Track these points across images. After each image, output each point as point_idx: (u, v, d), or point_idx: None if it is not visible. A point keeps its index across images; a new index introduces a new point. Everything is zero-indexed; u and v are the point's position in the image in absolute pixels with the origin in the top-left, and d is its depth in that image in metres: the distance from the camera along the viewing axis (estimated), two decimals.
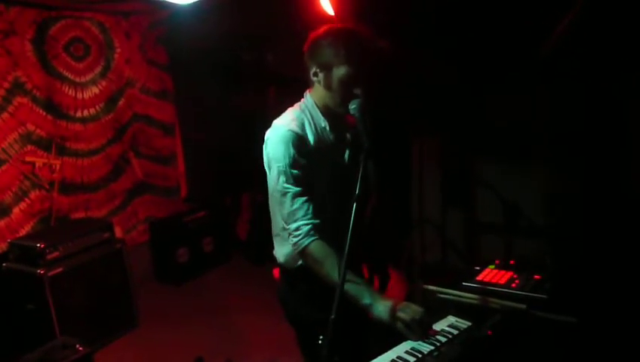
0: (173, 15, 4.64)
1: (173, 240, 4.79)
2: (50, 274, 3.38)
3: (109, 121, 4.46)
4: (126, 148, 4.63)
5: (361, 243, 2.19)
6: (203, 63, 4.96)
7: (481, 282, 2.00)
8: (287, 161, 1.79)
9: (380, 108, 3.19)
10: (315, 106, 1.91)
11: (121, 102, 4.56)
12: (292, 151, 1.80)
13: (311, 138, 1.87)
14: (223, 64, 5.11)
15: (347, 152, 1.97)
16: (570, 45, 2.65)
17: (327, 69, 1.82)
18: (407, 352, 1.55)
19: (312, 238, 1.77)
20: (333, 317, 1.52)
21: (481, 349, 1.57)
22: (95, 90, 4.35)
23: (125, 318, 3.92)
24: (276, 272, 2.15)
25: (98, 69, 4.37)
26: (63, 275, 3.46)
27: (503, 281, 1.98)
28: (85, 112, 4.28)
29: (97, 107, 4.37)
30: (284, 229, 1.90)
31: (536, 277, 1.97)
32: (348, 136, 1.97)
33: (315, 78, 1.87)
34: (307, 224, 1.78)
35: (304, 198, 1.80)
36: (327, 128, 1.92)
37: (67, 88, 4.15)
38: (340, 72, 1.79)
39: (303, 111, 1.92)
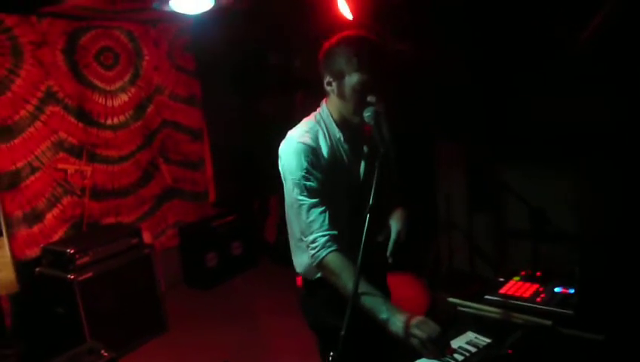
0: (199, 22, 4.69)
1: (202, 245, 4.83)
2: (80, 279, 3.46)
3: (138, 127, 4.54)
4: (155, 154, 4.71)
5: (382, 253, 2.15)
6: (230, 69, 5.00)
7: (504, 295, 1.92)
8: (300, 173, 1.77)
9: (401, 112, 3.14)
10: (330, 117, 1.88)
11: (150, 109, 4.63)
12: (305, 163, 1.77)
13: (325, 150, 1.84)
14: (250, 69, 5.14)
15: (363, 165, 1.93)
16: (602, 43, 2.51)
17: (339, 77, 1.78)
18: None
19: (329, 250, 1.74)
20: (343, 333, 1.48)
21: None
22: (124, 97, 4.43)
23: (154, 322, 3.98)
24: (299, 280, 2.13)
25: (127, 77, 4.45)
26: (93, 280, 3.53)
27: (527, 295, 1.89)
28: (115, 120, 4.37)
29: (127, 114, 4.46)
30: (301, 240, 1.88)
31: (563, 290, 1.87)
32: (365, 148, 1.92)
33: (328, 88, 1.84)
34: (324, 235, 1.75)
35: (320, 209, 1.77)
36: (342, 139, 1.88)
37: (97, 96, 4.24)
38: (352, 79, 1.75)
39: (318, 122, 1.89)
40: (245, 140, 5.19)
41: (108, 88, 4.31)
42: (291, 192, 1.81)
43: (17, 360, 2.57)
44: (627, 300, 1.72)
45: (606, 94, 2.68)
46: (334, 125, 1.87)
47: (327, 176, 1.82)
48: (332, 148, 1.86)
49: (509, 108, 3.25)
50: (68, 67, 4.01)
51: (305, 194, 1.78)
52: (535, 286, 1.94)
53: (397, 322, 1.61)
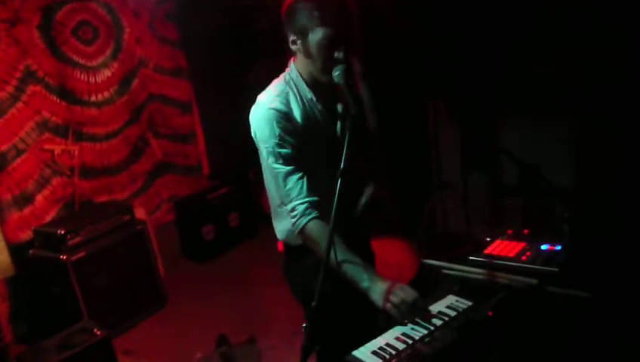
0: None
1: (198, 218, 4.80)
2: (72, 259, 3.45)
3: (124, 103, 4.44)
4: (144, 129, 4.62)
5: (363, 218, 2.08)
6: (215, 37, 4.85)
7: (489, 255, 1.85)
8: (273, 140, 1.70)
9: (389, 70, 3.02)
10: (299, 77, 1.79)
11: (135, 83, 4.52)
12: (277, 130, 1.70)
13: (297, 113, 1.76)
14: (236, 36, 4.98)
15: (339, 124, 1.84)
16: None
17: (303, 34, 1.68)
18: (397, 338, 1.45)
19: (309, 217, 1.69)
20: (314, 304, 1.43)
21: (479, 332, 1.44)
22: (107, 72, 4.32)
23: (153, 298, 3.99)
24: (280, 245, 2.09)
25: (108, 51, 4.33)
26: (86, 259, 3.52)
27: (512, 254, 1.82)
28: (99, 96, 4.28)
29: (111, 90, 4.35)
30: (281, 206, 1.84)
31: (550, 248, 1.80)
32: (339, 107, 1.83)
33: (294, 47, 1.75)
34: (302, 203, 1.70)
35: (297, 176, 1.71)
36: (314, 99, 1.79)
37: (79, 73, 4.13)
38: (316, 35, 1.65)
39: (287, 83, 1.80)
40: (236, 109, 5.06)
41: (89, 64, 4.20)
42: (266, 160, 1.74)
43: (6, 346, 2.56)
44: (615, 256, 1.65)
45: (606, 38, 2.54)
46: (305, 85, 1.78)
47: (301, 139, 1.75)
48: (305, 110, 1.78)
49: (505, 62, 3.12)
50: (45, 44, 3.89)
51: (280, 162, 1.71)
52: (522, 245, 1.87)
53: (377, 289, 1.56)
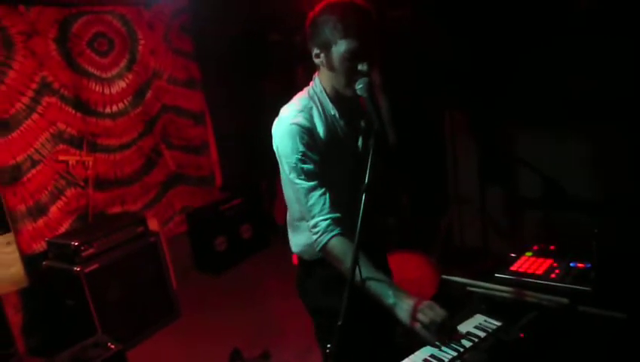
0: (194, 2, 4.54)
1: (211, 230, 4.78)
2: (86, 270, 3.42)
3: (138, 114, 4.45)
4: (157, 141, 4.62)
5: (383, 234, 2.04)
6: (229, 49, 4.86)
7: (515, 273, 1.80)
8: (296, 156, 1.67)
9: (404, 83, 2.99)
10: (323, 92, 1.76)
11: (148, 95, 4.53)
12: (300, 146, 1.67)
13: (321, 129, 1.73)
14: (250, 48, 4.99)
15: (360, 140, 1.81)
16: None
17: (327, 47, 1.66)
18: (425, 360, 1.39)
19: (331, 234, 1.66)
20: (340, 323, 1.39)
21: (511, 354, 1.39)
22: (122, 84, 4.33)
23: (166, 310, 3.96)
24: (295, 258, 2.05)
25: (123, 63, 4.34)
26: (100, 271, 3.50)
27: (540, 271, 1.77)
28: (114, 107, 4.28)
29: (125, 101, 4.36)
30: (299, 220, 1.84)
31: (579, 265, 1.75)
32: (362, 123, 1.80)
33: (317, 60, 1.72)
34: (325, 219, 1.67)
35: (319, 192, 1.68)
36: (337, 116, 1.77)
37: (94, 85, 4.15)
38: (339, 48, 1.62)
39: (312, 98, 1.77)
40: (249, 121, 5.06)
41: (104, 76, 4.21)
42: (288, 175, 1.72)
43: (20, 358, 2.54)
44: None
45: (621, 49, 2.49)
46: (328, 101, 1.76)
47: (324, 156, 1.72)
48: (328, 126, 1.75)
49: (520, 72, 3.08)
50: (61, 56, 3.91)
51: (302, 177, 1.68)
52: (549, 262, 1.82)
53: (404, 306, 1.52)
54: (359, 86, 1.63)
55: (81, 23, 4.02)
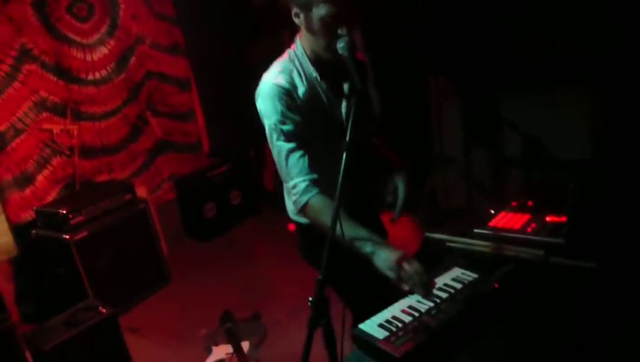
0: None
1: (199, 196, 4.79)
2: (76, 238, 3.45)
3: (121, 81, 4.39)
4: (143, 108, 4.58)
5: (376, 195, 2.07)
6: (212, 13, 4.76)
7: (493, 228, 1.85)
8: (276, 117, 1.69)
9: (384, 47, 2.97)
10: (304, 55, 1.77)
11: (132, 61, 4.46)
12: (280, 106, 1.69)
13: (301, 90, 1.74)
14: (234, 11, 4.89)
15: (344, 104, 1.82)
16: None
17: (307, 9, 1.65)
18: (403, 311, 1.45)
19: (310, 194, 1.69)
20: (319, 278, 1.43)
21: (486, 304, 1.44)
22: (104, 50, 4.26)
23: (157, 275, 4.01)
24: (292, 226, 2.08)
25: (104, 28, 4.25)
26: (89, 238, 3.52)
27: (517, 226, 1.81)
28: (97, 74, 4.22)
29: (108, 68, 4.30)
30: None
31: (555, 219, 1.79)
32: (345, 87, 1.80)
33: (297, 20, 1.71)
34: (304, 180, 1.70)
35: (299, 153, 1.71)
36: (319, 78, 1.77)
37: (75, 51, 4.07)
38: (320, 11, 1.61)
39: (292, 60, 1.78)
40: (235, 86, 5.01)
41: (85, 42, 4.13)
42: (269, 137, 1.74)
43: (13, 325, 2.58)
44: (621, 226, 1.64)
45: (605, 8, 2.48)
46: (309, 63, 1.76)
47: (305, 117, 1.73)
48: (309, 88, 1.76)
49: (506, 35, 3.06)
50: (40, 22, 3.82)
51: (282, 138, 1.71)
52: (526, 217, 1.87)
53: (381, 255, 1.56)
54: (340, 45, 1.62)
55: None
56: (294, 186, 1.71)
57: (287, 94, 1.70)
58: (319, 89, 1.78)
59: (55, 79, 3.94)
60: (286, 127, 1.69)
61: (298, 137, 1.71)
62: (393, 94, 2.75)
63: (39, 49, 3.83)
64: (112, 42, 4.31)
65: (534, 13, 2.81)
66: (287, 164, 1.71)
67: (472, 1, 2.97)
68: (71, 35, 4.03)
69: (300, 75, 1.75)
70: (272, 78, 1.72)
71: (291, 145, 1.70)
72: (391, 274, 1.53)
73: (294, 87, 1.73)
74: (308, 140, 1.73)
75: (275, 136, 1.71)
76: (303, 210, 1.71)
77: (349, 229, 1.59)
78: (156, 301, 3.90)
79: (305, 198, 1.69)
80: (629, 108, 2.53)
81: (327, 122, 1.80)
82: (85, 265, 3.48)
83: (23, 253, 3.71)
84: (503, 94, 3.12)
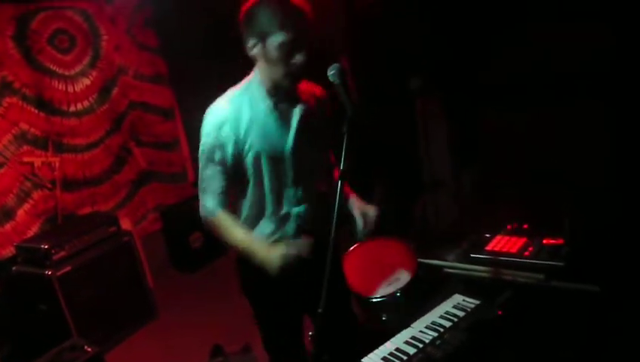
0: None
1: (185, 226, 4.69)
2: (58, 274, 3.33)
3: (104, 112, 4.34)
4: (126, 138, 4.52)
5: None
6: (195, 42, 4.76)
7: (491, 252, 1.83)
8: (208, 140, 1.77)
9: (371, 72, 2.98)
10: (260, 84, 1.78)
11: (115, 92, 4.42)
12: (214, 132, 1.75)
13: (246, 119, 1.76)
14: (216, 40, 4.90)
15: (292, 132, 1.82)
16: None
17: (263, 38, 1.66)
18: (406, 342, 1.41)
19: (219, 209, 1.81)
20: (320, 310, 1.39)
21: (490, 332, 1.41)
22: (86, 81, 4.21)
23: (143, 310, 3.88)
24: None
25: (86, 60, 4.22)
26: (72, 274, 3.40)
27: (515, 249, 1.80)
28: (79, 105, 4.16)
29: (91, 99, 4.24)
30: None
31: (552, 242, 1.78)
32: (296, 113, 1.83)
33: (254, 51, 1.73)
34: (214, 198, 1.81)
35: (220, 177, 1.80)
36: (272, 107, 1.79)
37: (57, 83, 4.02)
38: (277, 38, 1.64)
39: (246, 89, 1.81)
40: None
41: (67, 73, 4.08)
42: (200, 155, 1.81)
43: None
44: (620, 248, 1.64)
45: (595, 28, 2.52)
46: (264, 92, 1.78)
47: (242, 147, 1.77)
48: (258, 118, 1.77)
49: (490, 57, 3.11)
50: (21, 54, 3.78)
51: (212, 163, 1.78)
52: (522, 240, 1.86)
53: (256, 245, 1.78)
54: (331, 72, 1.66)
55: (39, 19, 3.88)
56: (205, 203, 1.82)
57: (227, 123, 1.74)
58: (269, 118, 1.79)
59: (36, 111, 3.88)
60: (216, 155, 1.77)
61: (224, 163, 1.78)
62: (380, 118, 2.74)
63: (20, 82, 3.77)
64: (94, 73, 4.27)
65: (522, 34, 2.86)
66: (203, 182, 1.82)
67: (459, 23, 3.01)
68: (52, 67, 3.99)
69: (250, 106, 1.77)
70: (216, 104, 1.79)
71: (217, 168, 1.78)
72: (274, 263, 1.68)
73: (240, 113, 1.76)
74: (241, 171, 1.80)
75: (204, 158, 1.80)
76: (211, 222, 1.84)
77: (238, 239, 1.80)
78: (142, 336, 3.78)
79: (215, 213, 1.81)
80: (625, 127, 2.56)
81: (274, 150, 1.82)
82: (68, 302, 3.35)
83: (2, 290, 3.57)
84: (491, 114, 3.14)
